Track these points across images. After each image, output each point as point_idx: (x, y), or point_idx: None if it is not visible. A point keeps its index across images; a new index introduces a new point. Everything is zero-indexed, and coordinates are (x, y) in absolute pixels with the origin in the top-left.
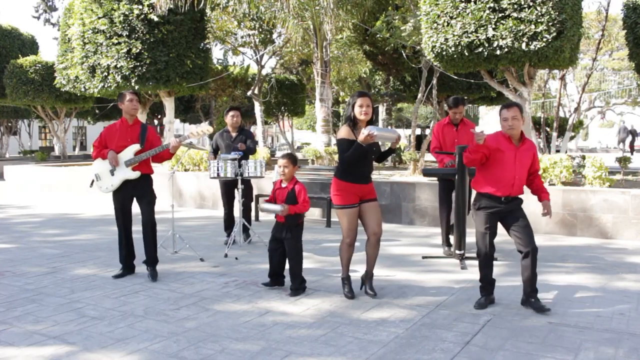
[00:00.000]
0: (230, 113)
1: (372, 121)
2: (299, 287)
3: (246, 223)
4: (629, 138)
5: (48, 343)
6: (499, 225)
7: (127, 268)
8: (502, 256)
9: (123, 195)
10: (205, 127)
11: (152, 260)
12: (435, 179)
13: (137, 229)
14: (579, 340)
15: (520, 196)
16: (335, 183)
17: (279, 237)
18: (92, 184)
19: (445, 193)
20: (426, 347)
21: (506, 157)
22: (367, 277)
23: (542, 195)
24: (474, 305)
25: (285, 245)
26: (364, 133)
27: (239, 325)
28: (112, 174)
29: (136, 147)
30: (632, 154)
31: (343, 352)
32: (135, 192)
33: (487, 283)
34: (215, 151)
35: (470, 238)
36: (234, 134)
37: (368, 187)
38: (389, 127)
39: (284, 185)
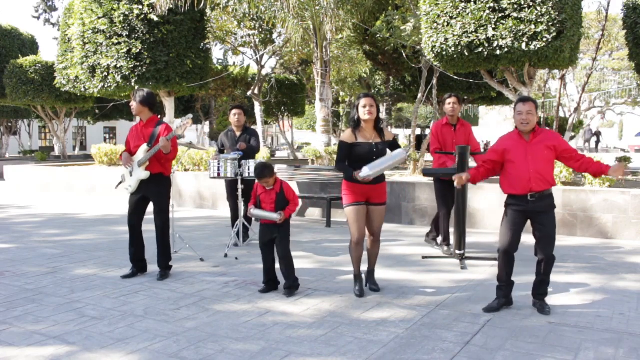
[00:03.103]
0: (233, 111)
1: (378, 120)
2: (292, 285)
3: (246, 223)
4: (594, 139)
5: (48, 343)
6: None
7: (138, 268)
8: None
9: (137, 195)
10: (185, 120)
11: (163, 264)
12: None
13: (145, 228)
14: (579, 340)
15: (549, 192)
16: (343, 183)
17: (269, 239)
18: (118, 185)
19: (443, 193)
20: (426, 347)
21: (516, 154)
22: (369, 274)
23: (602, 168)
24: (484, 309)
25: (277, 244)
26: (359, 176)
27: (239, 325)
28: (131, 175)
29: (145, 146)
30: (597, 152)
31: (343, 352)
32: (148, 194)
33: (504, 283)
34: (222, 151)
35: (470, 238)
36: (238, 133)
37: (374, 188)
38: (384, 129)
39: (269, 188)
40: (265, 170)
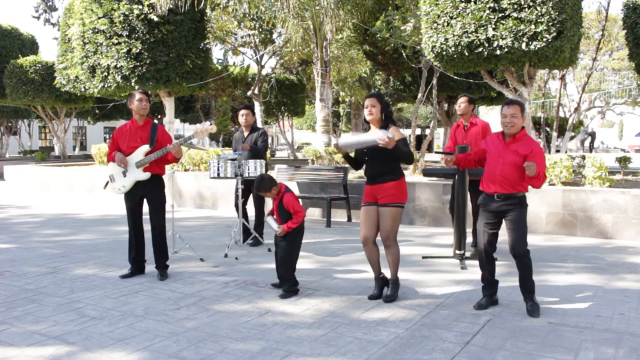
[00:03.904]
0: (241, 112)
1: (385, 119)
2: (288, 290)
3: (248, 225)
4: (589, 139)
5: (48, 343)
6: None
7: (137, 269)
8: (502, 256)
9: (133, 196)
10: (208, 126)
11: (161, 264)
12: (436, 178)
13: (147, 228)
14: (579, 340)
15: (517, 195)
16: None
17: (276, 242)
18: (106, 185)
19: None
20: (426, 347)
21: (492, 154)
22: (390, 282)
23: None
24: (474, 306)
25: (278, 248)
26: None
27: (239, 325)
28: (124, 175)
29: (146, 147)
30: (591, 152)
31: (343, 352)
32: (145, 194)
33: (487, 283)
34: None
35: (470, 238)
36: (245, 133)
37: (378, 188)
38: (386, 130)
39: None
40: (260, 184)
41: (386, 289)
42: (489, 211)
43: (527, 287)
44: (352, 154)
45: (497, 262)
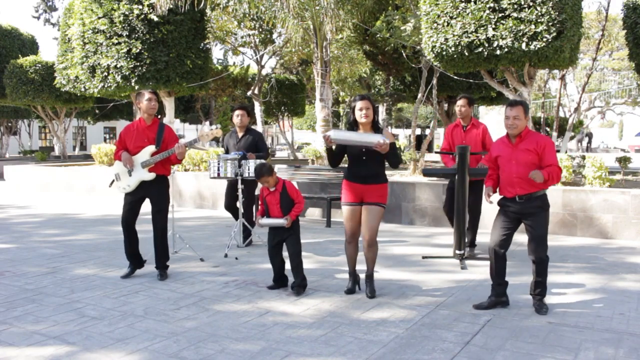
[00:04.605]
0: (236, 112)
1: (375, 122)
2: (300, 284)
3: (248, 225)
4: (586, 139)
5: (48, 343)
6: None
7: (135, 263)
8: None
9: (135, 194)
10: (214, 130)
11: (161, 265)
12: (436, 178)
13: (144, 228)
14: (579, 340)
15: (539, 194)
16: (343, 182)
17: (278, 241)
18: (111, 183)
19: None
20: (426, 347)
21: (503, 159)
22: (366, 278)
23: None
24: (474, 306)
25: (287, 243)
26: (325, 135)
27: (239, 325)
28: (130, 175)
29: (152, 148)
30: (588, 152)
31: (343, 352)
32: (149, 194)
33: (496, 282)
34: (227, 152)
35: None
36: (240, 134)
37: (368, 188)
38: (384, 129)
39: (272, 189)
40: (262, 169)
41: (366, 290)
42: (509, 212)
43: (540, 291)
44: (334, 149)
45: None
